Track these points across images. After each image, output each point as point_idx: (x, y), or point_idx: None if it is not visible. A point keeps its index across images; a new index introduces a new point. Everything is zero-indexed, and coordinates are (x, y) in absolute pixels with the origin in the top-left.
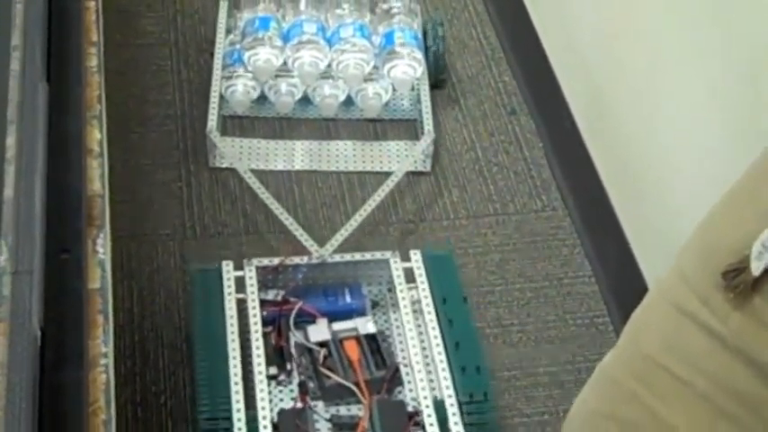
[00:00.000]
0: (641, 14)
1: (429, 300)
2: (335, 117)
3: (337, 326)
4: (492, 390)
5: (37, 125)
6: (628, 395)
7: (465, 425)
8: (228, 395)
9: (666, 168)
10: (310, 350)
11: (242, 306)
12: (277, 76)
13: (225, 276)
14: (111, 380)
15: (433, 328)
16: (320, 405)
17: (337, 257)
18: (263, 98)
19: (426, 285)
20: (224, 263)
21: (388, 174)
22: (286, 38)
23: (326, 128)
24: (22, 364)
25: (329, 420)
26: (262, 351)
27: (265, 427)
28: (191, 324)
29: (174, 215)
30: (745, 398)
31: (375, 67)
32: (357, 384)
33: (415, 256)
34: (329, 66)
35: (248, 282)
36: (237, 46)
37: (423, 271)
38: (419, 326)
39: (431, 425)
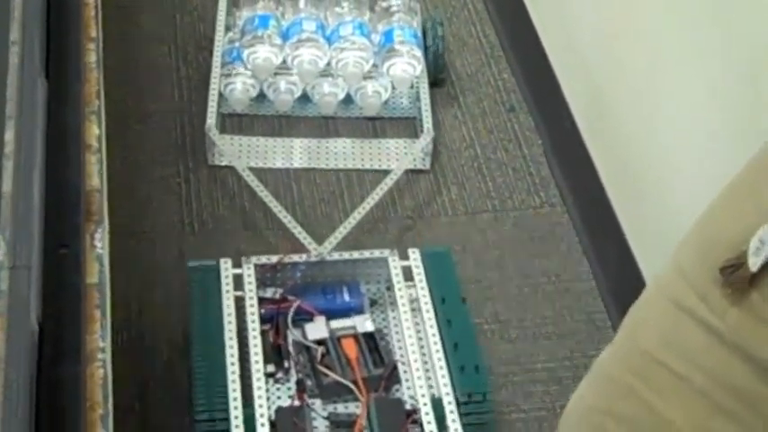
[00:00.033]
0: (641, 13)
1: (427, 298)
2: (335, 115)
3: (335, 324)
4: (491, 390)
5: (35, 120)
6: (625, 390)
7: (463, 423)
8: (226, 393)
9: (665, 165)
10: (308, 348)
11: (240, 304)
12: (276, 74)
13: (223, 274)
14: (109, 375)
15: (432, 327)
16: (318, 403)
17: (336, 255)
18: (262, 96)
19: (425, 284)
20: (222, 260)
21: (387, 172)
22: (285, 36)
23: (326, 126)
24: (19, 358)
25: (327, 418)
26: (260, 349)
27: (263, 424)
28: (189, 322)
29: (172, 211)
30: (743, 393)
31: (374, 65)
32: (355, 382)
33: (414, 255)
34: (328, 64)
35: (246, 279)
36: (237, 44)
37: (421, 269)
38: (417, 324)
39: (428, 423)
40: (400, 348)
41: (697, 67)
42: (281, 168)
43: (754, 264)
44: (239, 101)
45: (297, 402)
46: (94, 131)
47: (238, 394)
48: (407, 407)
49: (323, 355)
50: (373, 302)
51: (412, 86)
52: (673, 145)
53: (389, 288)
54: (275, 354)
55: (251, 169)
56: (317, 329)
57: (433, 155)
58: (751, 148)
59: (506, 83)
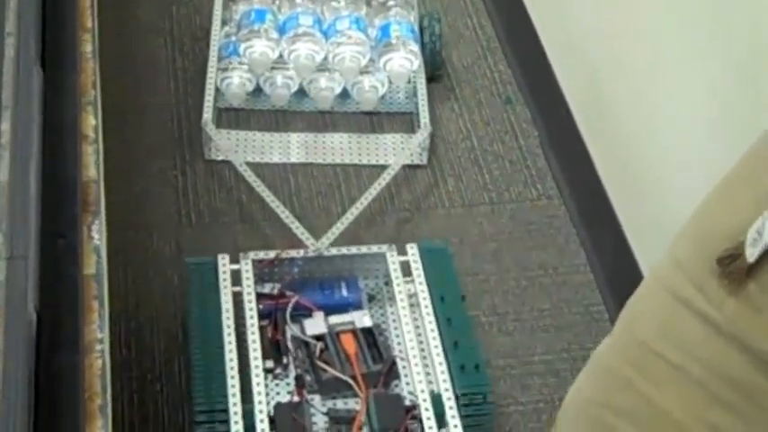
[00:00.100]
0: (640, 8)
1: (426, 293)
2: (331, 110)
3: (334, 319)
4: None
5: (32, 111)
6: (623, 383)
7: (462, 417)
8: (225, 389)
9: (662, 157)
10: (307, 344)
11: (238, 299)
12: (273, 68)
13: (221, 270)
14: (107, 365)
15: (430, 322)
16: (317, 399)
17: (334, 251)
18: (258, 90)
19: (423, 279)
20: (220, 256)
21: (384, 167)
22: (282, 30)
23: (322, 120)
24: (17, 349)
25: (326, 414)
26: (258, 345)
27: (262, 420)
28: (186, 316)
29: (169, 203)
30: (739, 384)
31: (371, 60)
32: (354, 378)
33: (412, 250)
34: (325, 58)
35: (244, 275)
36: (233, 38)
37: (419, 265)
38: (416, 320)
39: (428, 419)
40: (399, 344)
41: (695, 56)
42: (278, 163)
43: (751, 254)
44: (236, 95)
45: (296, 398)
46: (91, 122)
47: (237, 390)
48: (407, 402)
49: (321, 351)
50: (371, 298)
51: (409, 81)
52: (670, 138)
53: (388, 283)
54: (274, 349)
55: (248, 164)
56: (316, 325)
57: (430, 148)
58: (749, 139)
59: (503, 75)
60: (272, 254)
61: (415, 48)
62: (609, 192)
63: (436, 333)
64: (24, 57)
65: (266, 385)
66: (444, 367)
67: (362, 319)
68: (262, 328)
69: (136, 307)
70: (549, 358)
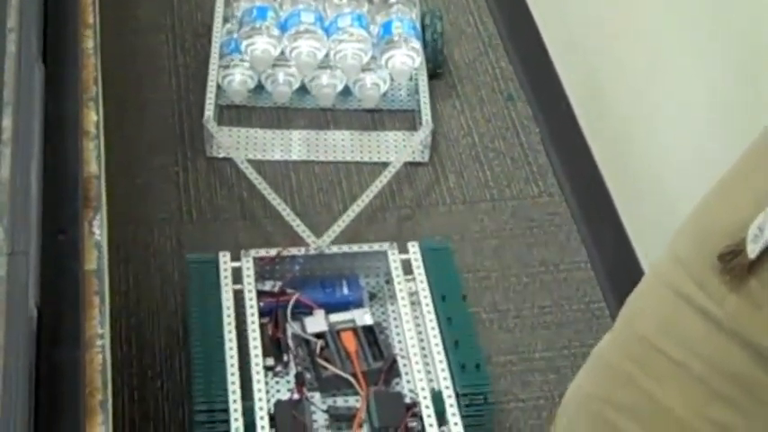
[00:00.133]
0: (638, 3)
1: (427, 292)
2: (333, 107)
3: (334, 317)
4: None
5: (33, 107)
6: (623, 378)
7: (462, 416)
8: (225, 386)
9: (663, 154)
10: (307, 341)
11: (239, 297)
12: (274, 65)
13: (222, 267)
14: (108, 361)
15: (431, 320)
16: (317, 396)
17: (335, 249)
18: (260, 88)
19: (424, 277)
20: (221, 254)
21: (385, 164)
22: (283, 27)
23: (324, 118)
24: (18, 344)
25: (326, 411)
26: (258, 342)
27: (262, 417)
28: (187, 315)
29: (170, 199)
30: (741, 380)
31: (373, 57)
32: (354, 375)
33: (413, 248)
34: (327, 55)
35: (245, 273)
36: (235, 35)
37: (420, 263)
38: (416, 318)
39: (428, 416)
40: (400, 342)
41: (694, 52)
42: (280, 160)
43: (752, 251)
44: (237, 92)
45: (296, 396)
46: (92, 118)
47: (237, 388)
48: (407, 400)
49: (322, 349)
50: (372, 296)
51: (411, 78)
52: (671, 136)
53: (389, 281)
54: (274, 347)
55: (249, 161)
56: (317, 323)
57: (431, 144)
58: (748, 128)
59: (504, 71)
60: (273, 251)
61: (417, 45)
62: (610, 188)
63: (437, 331)
64: (26, 53)
65: (266, 383)
66: (445, 365)
67: (363, 316)
68: (262, 326)
69: (137, 303)
70: (549, 355)
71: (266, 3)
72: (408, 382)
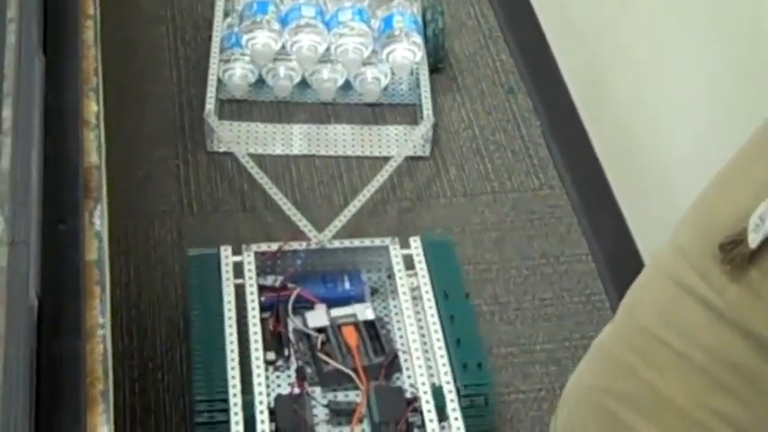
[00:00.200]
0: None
1: (428, 287)
2: (334, 101)
3: (336, 312)
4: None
5: (33, 97)
6: (625, 369)
7: (463, 409)
8: (225, 380)
9: (663, 146)
10: (308, 336)
11: (240, 291)
12: (275, 59)
13: (223, 261)
14: (109, 351)
15: (432, 316)
16: (318, 391)
17: (336, 243)
18: (261, 82)
19: (426, 272)
20: (222, 248)
21: (386, 158)
22: (284, 21)
23: (325, 112)
24: (19, 334)
25: (326, 406)
26: (259, 336)
27: (262, 412)
28: (188, 309)
29: (171, 192)
30: (742, 370)
31: (374, 52)
32: (355, 370)
33: (415, 243)
34: (328, 50)
35: (246, 267)
36: (235, 29)
37: (422, 258)
38: (418, 313)
39: (429, 411)
40: (401, 337)
41: (694, 47)
42: (281, 154)
43: (753, 240)
44: (238, 87)
45: (297, 390)
46: (93, 108)
47: (238, 381)
48: (408, 395)
49: (323, 343)
50: (374, 291)
51: (412, 73)
52: (672, 128)
53: (390, 276)
54: (275, 341)
55: (250, 155)
56: (318, 317)
57: (432, 138)
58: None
59: (505, 64)
60: (274, 246)
61: (418, 39)
62: (610, 181)
63: (438, 327)
64: (26, 43)
65: (267, 377)
66: (446, 360)
67: (365, 311)
68: (263, 320)
69: (137, 295)
70: (550, 347)
71: None
72: (409, 377)
